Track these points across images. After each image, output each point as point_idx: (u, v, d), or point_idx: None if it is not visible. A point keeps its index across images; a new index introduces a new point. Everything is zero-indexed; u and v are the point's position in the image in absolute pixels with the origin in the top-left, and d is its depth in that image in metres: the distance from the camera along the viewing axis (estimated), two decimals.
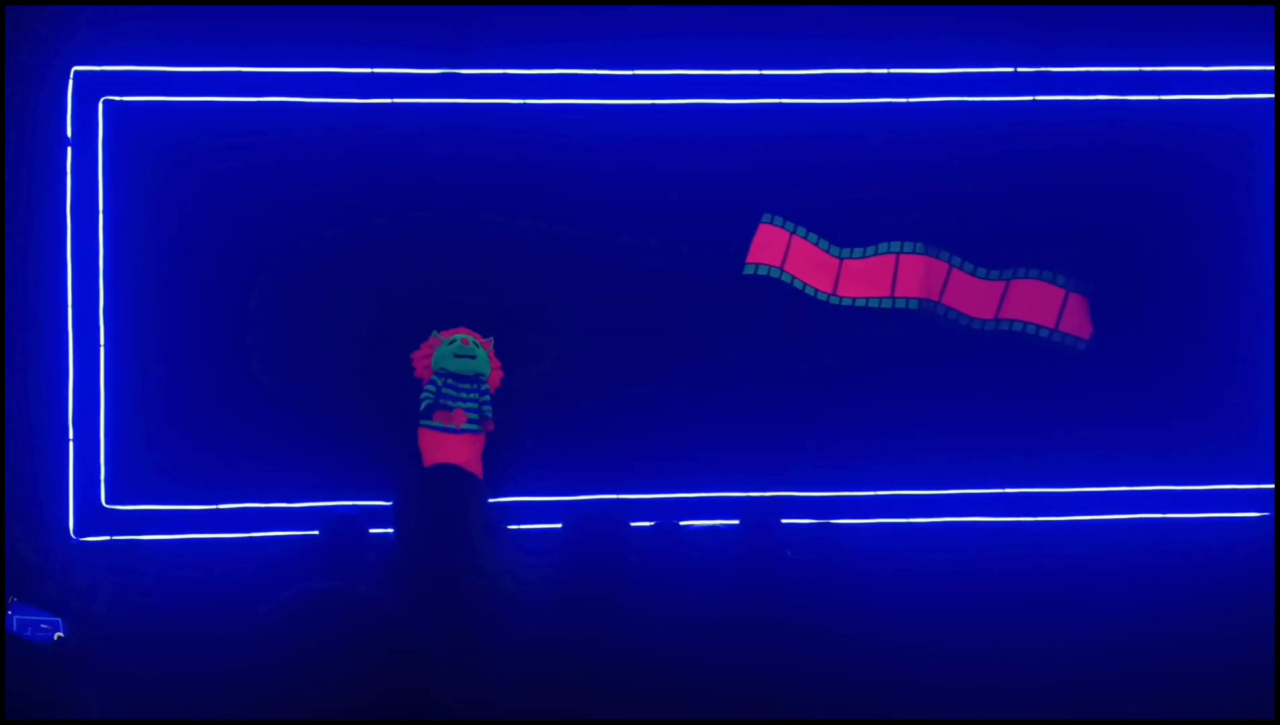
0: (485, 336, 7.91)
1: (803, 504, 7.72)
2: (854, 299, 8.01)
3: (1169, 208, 8.20)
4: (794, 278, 7.97)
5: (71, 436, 7.66)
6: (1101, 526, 7.89)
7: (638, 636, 3.46)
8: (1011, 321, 8.01)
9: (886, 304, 8.02)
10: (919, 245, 8.02)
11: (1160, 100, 8.20)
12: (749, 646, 3.55)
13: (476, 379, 7.86)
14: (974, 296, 8.01)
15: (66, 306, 7.69)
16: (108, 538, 7.63)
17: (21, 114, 7.64)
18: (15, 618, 4.63)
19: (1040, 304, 7.99)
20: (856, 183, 8.03)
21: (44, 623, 4.70)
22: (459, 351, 7.85)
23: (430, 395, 7.82)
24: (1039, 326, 7.98)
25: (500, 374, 7.93)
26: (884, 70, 8.11)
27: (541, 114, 8.03)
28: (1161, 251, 8.18)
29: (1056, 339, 7.97)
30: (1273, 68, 8.02)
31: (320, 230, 7.90)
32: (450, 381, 7.83)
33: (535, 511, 7.64)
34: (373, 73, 7.93)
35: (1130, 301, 8.17)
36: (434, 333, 7.89)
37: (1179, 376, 8.14)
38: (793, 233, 7.98)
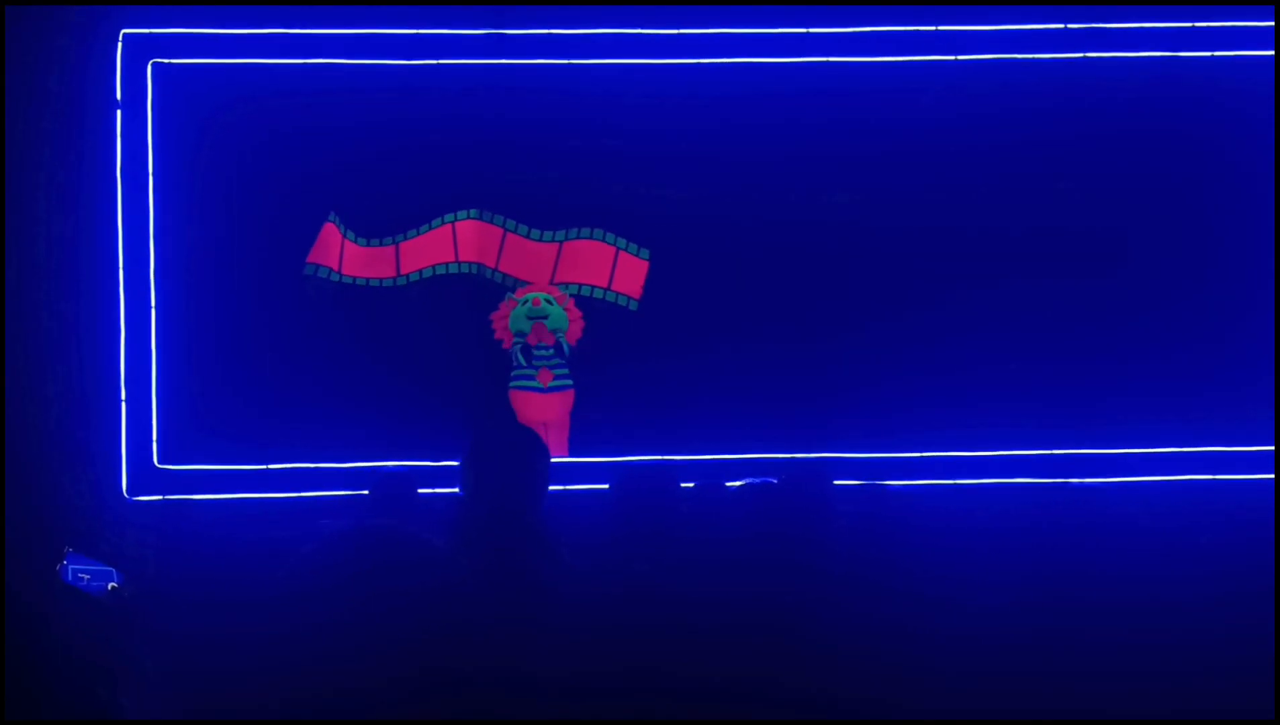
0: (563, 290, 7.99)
1: (848, 465, 7.71)
2: (419, 272, 7.94)
3: (1217, 170, 8.13)
4: (354, 278, 7.89)
5: (124, 397, 7.74)
6: (1124, 488, 7.85)
7: (686, 594, 3.50)
8: (567, 284, 7.99)
9: (453, 269, 7.95)
10: (472, 211, 7.98)
11: (1208, 57, 8.12)
12: (791, 604, 3.58)
13: (554, 335, 7.95)
14: (529, 261, 8.01)
15: (118, 268, 7.76)
16: (160, 497, 7.72)
17: (71, 78, 7.69)
18: (71, 569, 4.70)
19: (593, 265, 7.99)
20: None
21: (98, 575, 4.76)
22: (530, 313, 7.94)
23: (518, 369, 7.93)
24: (593, 287, 7.98)
25: (580, 325, 8.00)
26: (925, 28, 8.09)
27: (586, 74, 8.02)
28: (1209, 212, 8.13)
29: (610, 298, 7.98)
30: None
31: (370, 190, 7.93)
32: (526, 344, 7.93)
33: (581, 472, 7.67)
34: (419, 33, 7.94)
35: (1178, 264, 8.12)
36: (508, 294, 7.95)
37: (1230, 340, 8.10)
38: (344, 233, 7.88)
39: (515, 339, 7.96)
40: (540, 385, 7.93)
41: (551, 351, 7.95)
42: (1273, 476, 7.68)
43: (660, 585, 3.50)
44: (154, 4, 7.78)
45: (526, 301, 7.96)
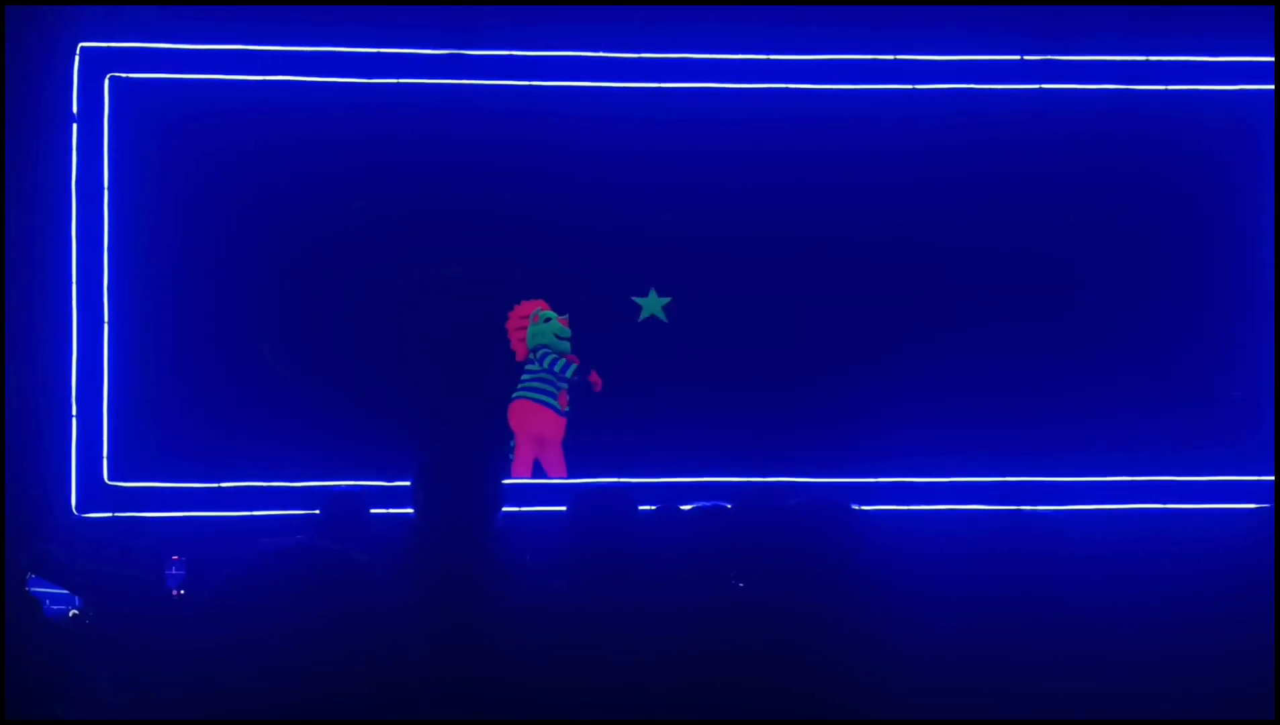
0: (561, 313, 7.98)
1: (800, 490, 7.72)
2: None
3: (1171, 200, 8.23)
4: None
5: (75, 413, 7.67)
6: (1101, 516, 7.89)
7: (645, 617, 3.49)
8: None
9: None
10: None
11: (1162, 90, 8.22)
12: (753, 628, 3.58)
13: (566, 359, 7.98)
14: None
15: (71, 283, 7.69)
16: (110, 514, 7.63)
17: (28, 90, 7.62)
18: (31, 592, 4.65)
19: None
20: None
21: (58, 599, 4.71)
22: (560, 332, 7.93)
23: (540, 381, 7.89)
24: None
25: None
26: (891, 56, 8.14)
27: (546, 96, 8.03)
28: (1163, 242, 8.22)
29: None
30: (1273, 59, 8.01)
31: (323, 210, 7.90)
32: (557, 360, 7.91)
33: (537, 493, 7.64)
34: (379, 52, 7.93)
35: (1134, 293, 8.20)
36: (516, 307, 7.93)
37: (1183, 368, 8.18)
38: None
39: (544, 352, 7.91)
40: (559, 407, 7.92)
41: (570, 376, 7.94)
42: (1268, 506, 7.72)
43: (614, 599, 3.51)
44: (114, 4, 7.71)
45: (552, 319, 7.93)
